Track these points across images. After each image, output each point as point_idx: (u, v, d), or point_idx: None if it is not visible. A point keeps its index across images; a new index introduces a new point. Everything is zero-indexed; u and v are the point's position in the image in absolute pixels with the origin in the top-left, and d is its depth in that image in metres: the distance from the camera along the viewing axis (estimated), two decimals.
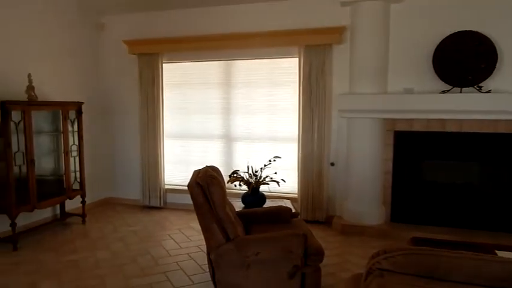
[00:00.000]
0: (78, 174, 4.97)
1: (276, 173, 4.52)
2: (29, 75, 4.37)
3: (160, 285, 3.35)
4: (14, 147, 4.07)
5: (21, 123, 4.13)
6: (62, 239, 4.46)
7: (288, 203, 4.29)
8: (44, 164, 4.73)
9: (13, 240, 4.11)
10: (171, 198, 5.80)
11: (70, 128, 4.82)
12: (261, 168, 4.35)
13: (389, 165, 4.69)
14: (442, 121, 4.40)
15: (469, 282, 1.45)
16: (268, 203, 4.17)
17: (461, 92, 4.28)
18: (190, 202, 2.92)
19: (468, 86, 4.26)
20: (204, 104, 5.55)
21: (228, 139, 5.50)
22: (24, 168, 4.19)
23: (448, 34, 4.31)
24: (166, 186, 5.79)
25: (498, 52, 4.17)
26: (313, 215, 5.00)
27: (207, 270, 3.53)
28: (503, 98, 4.03)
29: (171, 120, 5.73)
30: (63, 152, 4.74)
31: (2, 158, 4.00)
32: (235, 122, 5.44)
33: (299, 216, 3.82)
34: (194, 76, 5.57)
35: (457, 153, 4.47)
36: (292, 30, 4.87)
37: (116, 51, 5.77)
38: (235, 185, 4.34)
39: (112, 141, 6.02)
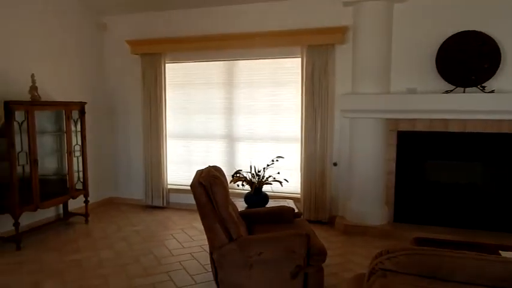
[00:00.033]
0: (81, 174, 4.99)
1: (278, 173, 4.51)
2: (32, 76, 4.39)
3: (163, 285, 3.35)
4: (18, 147, 4.09)
5: (25, 123, 4.15)
6: (65, 239, 4.47)
7: (290, 203, 4.29)
8: (47, 164, 4.75)
9: (16, 239, 4.12)
10: (173, 198, 5.81)
11: (73, 128, 4.83)
12: (264, 168, 4.35)
13: (392, 165, 4.68)
14: (445, 121, 4.38)
15: (472, 283, 1.44)
16: (271, 203, 4.17)
17: (464, 92, 4.26)
18: (193, 202, 2.93)
19: (471, 86, 4.25)
20: (207, 104, 5.56)
21: (231, 139, 5.51)
22: (27, 168, 4.21)
23: (451, 34, 4.29)
24: (169, 186, 5.80)
25: (501, 52, 4.16)
26: (316, 215, 4.99)
27: (210, 270, 3.54)
28: (507, 98, 4.02)
29: (173, 120, 5.74)
30: (66, 152, 4.75)
31: (5, 158, 4.02)
32: (237, 122, 5.44)
33: (302, 216, 3.82)
34: (197, 76, 5.57)
35: (460, 153, 4.46)
36: (295, 30, 4.87)
37: (119, 51, 5.79)
38: (238, 185, 4.34)
39: (115, 141, 6.04)
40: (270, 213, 3.56)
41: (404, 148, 4.64)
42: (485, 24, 4.22)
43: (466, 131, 4.34)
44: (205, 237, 2.98)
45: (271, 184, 4.32)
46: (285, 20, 4.98)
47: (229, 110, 5.46)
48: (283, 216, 3.53)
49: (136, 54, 5.61)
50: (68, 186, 4.80)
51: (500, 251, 3.01)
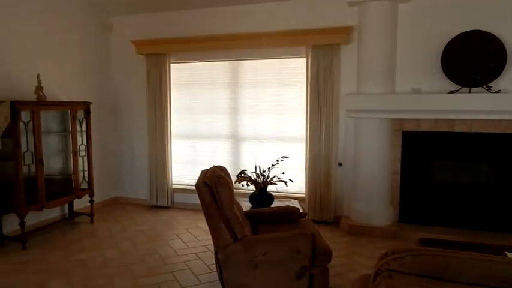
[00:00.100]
0: (86, 173, 5.01)
1: (283, 173, 4.51)
2: (38, 76, 4.41)
3: (168, 284, 3.36)
4: (23, 147, 4.11)
5: (30, 123, 4.17)
6: (70, 238, 4.49)
7: (295, 203, 4.29)
8: (53, 164, 4.77)
9: (22, 239, 4.15)
10: (178, 198, 5.82)
11: (78, 128, 4.85)
12: (269, 168, 4.35)
13: (398, 166, 4.66)
14: (451, 121, 4.36)
15: (478, 284, 1.43)
16: (276, 203, 4.17)
17: (470, 92, 4.24)
18: (198, 202, 2.93)
19: (477, 86, 4.22)
20: (212, 104, 5.56)
21: (236, 139, 5.51)
22: (33, 168, 4.23)
23: (457, 34, 4.27)
24: (173, 186, 5.82)
25: (507, 52, 4.12)
26: (321, 215, 4.98)
27: (215, 270, 3.54)
28: None
29: (178, 120, 5.75)
30: (72, 152, 4.77)
31: (11, 157, 4.04)
32: (242, 122, 5.44)
33: (307, 217, 3.81)
34: (202, 76, 5.58)
35: (466, 153, 4.43)
36: (300, 30, 4.87)
37: (124, 51, 5.81)
38: (242, 185, 4.34)
39: (120, 141, 6.06)
40: (275, 213, 3.56)
41: (410, 148, 4.62)
42: (491, 24, 4.19)
43: (472, 131, 4.32)
44: (210, 237, 2.98)
45: (276, 184, 4.32)
46: (290, 20, 4.97)
47: (234, 110, 5.46)
48: (288, 216, 3.53)
49: (142, 54, 5.63)
50: (73, 186, 4.82)
51: (506, 252, 2.99)
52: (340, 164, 4.96)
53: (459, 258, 1.49)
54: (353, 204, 4.81)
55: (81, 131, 4.92)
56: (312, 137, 4.94)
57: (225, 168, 3.30)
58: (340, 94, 4.85)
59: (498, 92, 4.12)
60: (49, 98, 4.56)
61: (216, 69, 5.49)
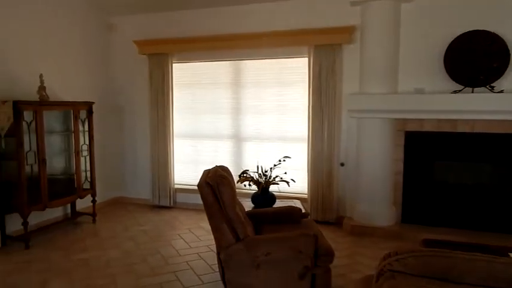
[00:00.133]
0: (88, 173, 5.02)
1: (285, 173, 4.50)
2: (41, 76, 4.42)
3: (170, 284, 3.36)
4: (26, 147, 4.12)
5: (33, 123, 4.18)
6: (72, 238, 4.50)
7: (297, 203, 4.28)
8: (55, 164, 4.78)
9: (25, 238, 4.16)
10: (180, 198, 5.82)
11: (81, 128, 4.86)
12: (271, 168, 4.35)
13: (400, 166, 4.65)
14: (454, 121, 4.35)
15: (483, 285, 1.43)
16: (278, 203, 4.17)
17: (473, 92, 4.22)
18: (200, 202, 2.93)
19: (480, 86, 4.20)
20: (214, 104, 5.56)
21: (238, 139, 5.51)
22: (35, 168, 4.24)
23: (460, 33, 4.25)
24: (176, 186, 5.82)
25: (511, 52, 4.10)
26: (323, 215, 4.98)
27: (217, 270, 3.53)
28: None
29: (180, 120, 5.75)
30: (74, 152, 4.78)
31: (14, 157, 4.05)
32: (244, 122, 5.44)
33: (309, 217, 3.80)
34: (204, 76, 5.58)
35: (469, 154, 4.42)
36: (302, 30, 4.86)
37: (126, 51, 5.81)
38: (245, 185, 4.34)
39: (122, 140, 6.06)
40: (277, 214, 3.55)
41: (412, 148, 4.61)
42: (494, 24, 4.17)
43: (475, 131, 4.30)
44: (212, 237, 2.98)
45: (278, 184, 4.32)
46: (292, 20, 4.97)
47: (236, 110, 5.46)
48: (290, 216, 3.52)
49: (144, 54, 5.63)
50: (75, 185, 4.83)
51: (510, 253, 2.98)
52: (342, 164, 4.95)
53: (463, 259, 1.48)
54: (355, 204, 4.81)
55: (84, 131, 4.93)
56: (314, 137, 4.94)
57: (227, 168, 3.30)
58: (343, 94, 4.84)
59: (501, 92, 4.10)
60: (51, 98, 4.57)
61: (218, 69, 5.50)
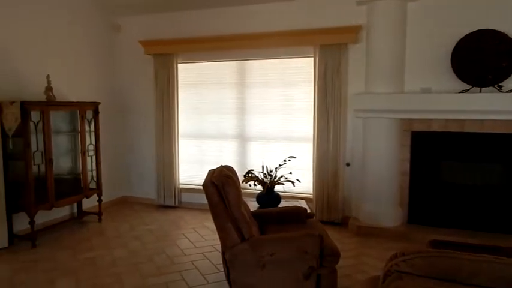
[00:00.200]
0: (94, 173, 5.04)
1: (291, 173, 4.49)
2: (48, 76, 4.45)
3: (175, 284, 3.36)
4: (33, 147, 4.15)
5: (40, 123, 4.21)
6: (79, 237, 4.52)
7: (303, 203, 4.27)
8: (62, 163, 4.81)
9: (32, 237, 4.19)
10: (185, 198, 5.83)
11: (87, 128, 4.88)
12: (276, 168, 4.34)
13: (407, 166, 4.62)
14: (461, 121, 4.31)
15: (491, 287, 1.41)
16: (283, 203, 4.16)
17: (480, 92, 4.18)
18: (205, 201, 2.93)
19: (488, 86, 4.16)
20: (219, 104, 5.56)
21: (243, 139, 5.50)
22: (42, 168, 4.27)
23: (467, 33, 4.22)
24: (181, 186, 5.83)
25: None
26: (329, 215, 4.96)
27: (222, 269, 3.53)
28: None
29: (186, 120, 5.76)
30: (80, 152, 4.81)
31: (21, 157, 4.08)
32: (250, 121, 5.44)
33: (314, 217, 3.79)
34: (209, 76, 5.58)
35: (477, 154, 4.37)
36: (307, 29, 4.85)
37: (132, 51, 5.83)
38: (250, 185, 4.33)
39: (128, 140, 6.09)
40: (282, 214, 3.54)
41: (419, 148, 4.58)
42: (502, 23, 4.13)
43: (483, 131, 4.26)
44: (217, 236, 2.98)
45: (283, 184, 4.31)
46: (297, 20, 4.95)
47: (242, 110, 5.46)
48: (295, 216, 3.51)
49: (149, 54, 5.65)
50: (81, 185, 4.86)
51: None
52: (348, 164, 4.93)
53: (471, 260, 1.46)
54: (361, 204, 4.78)
55: (90, 131, 4.95)
56: (320, 137, 4.92)
57: (232, 168, 3.30)
58: (348, 94, 4.82)
59: (510, 91, 4.05)
60: (58, 98, 4.59)
61: (223, 69, 5.50)
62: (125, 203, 6.04)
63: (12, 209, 4.22)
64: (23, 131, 4.04)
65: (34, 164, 4.15)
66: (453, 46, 4.29)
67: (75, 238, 4.49)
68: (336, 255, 2.82)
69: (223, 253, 2.82)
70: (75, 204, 5.12)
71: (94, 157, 5.02)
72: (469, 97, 4.12)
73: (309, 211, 3.67)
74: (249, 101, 5.41)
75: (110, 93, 5.80)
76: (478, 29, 4.18)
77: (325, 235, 3.10)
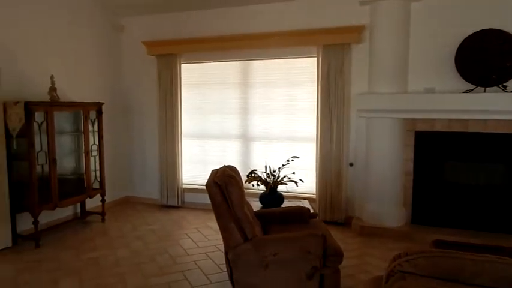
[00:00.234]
0: (98, 173, 5.05)
1: (294, 173, 4.48)
2: (52, 77, 4.46)
3: (178, 284, 3.37)
4: (37, 147, 4.17)
5: (44, 124, 4.22)
6: (82, 237, 4.53)
7: (306, 203, 4.26)
8: (65, 164, 4.83)
9: (36, 237, 4.20)
10: (188, 198, 5.84)
11: (90, 128, 4.90)
12: (279, 168, 4.33)
13: (410, 166, 4.60)
14: (465, 121, 4.29)
15: (494, 287, 1.40)
16: (286, 203, 4.15)
17: (485, 92, 4.17)
18: (208, 201, 2.93)
19: (492, 86, 4.14)
20: (222, 104, 5.57)
21: (246, 139, 5.51)
22: (46, 168, 4.28)
23: (471, 32, 4.20)
24: (184, 186, 5.83)
25: None
26: (332, 215, 4.95)
27: (225, 269, 3.53)
28: None
29: (189, 120, 5.77)
30: (84, 152, 4.82)
31: (25, 157, 4.10)
32: (253, 121, 5.44)
33: (317, 217, 3.78)
34: (212, 76, 5.59)
35: (481, 154, 4.36)
36: (311, 29, 4.84)
37: (135, 52, 5.85)
38: (253, 185, 4.34)
39: (131, 141, 6.10)
40: (285, 214, 3.54)
41: (422, 148, 4.56)
42: (507, 23, 4.11)
43: (487, 131, 4.24)
44: (220, 236, 2.98)
45: (286, 184, 4.30)
46: (300, 20, 4.95)
47: (245, 110, 5.46)
48: (298, 216, 3.51)
49: (153, 55, 5.66)
50: (85, 185, 4.87)
51: None
52: (351, 164, 4.92)
53: (474, 260, 1.46)
54: (364, 204, 4.77)
55: (93, 131, 4.97)
56: (323, 137, 4.91)
57: (235, 168, 3.30)
58: (351, 94, 4.81)
59: None
60: (62, 99, 4.61)
61: (226, 69, 5.50)
62: (128, 203, 6.05)
63: (16, 209, 4.24)
64: (27, 131, 4.05)
65: (38, 164, 4.17)
66: (457, 46, 4.27)
67: (78, 238, 4.51)
68: (339, 255, 2.82)
69: (226, 253, 2.82)
70: (78, 204, 5.14)
71: (97, 157, 5.03)
72: (472, 97, 4.10)
73: (312, 211, 3.67)
74: (252, 101, 5.41)
75: (113, 94, 5.82)
76: (482, 28, 4.16)
77: (328, 235, 3.09)
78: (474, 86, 4.22)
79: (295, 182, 4.27)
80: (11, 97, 4.18)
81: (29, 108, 4.03)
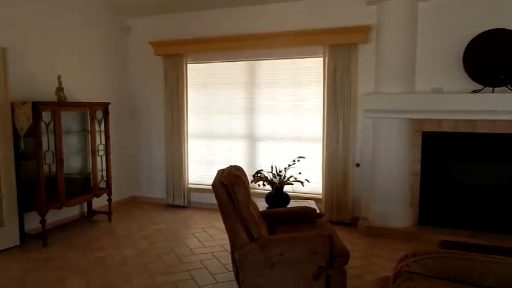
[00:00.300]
0: (104, 173, 5.08)
1: (300, 173, 4.47)
2: (59, 77, 4.49)
3: (184, 283, 3.37)
4: (44, 147, 4.20)
5: (51, 124, 4.25)
6: (89, 236, 4.56)
7: (312, 204, 4.25)
8: (72, 163, 4.86)
9: (43, 236, 4.23)
10: (195, 198, 5.85)
11: (97, 128, 4.93)
12: (285, 168, 4.33)
13: (417, 166, 4.57)
14: (473, 122, 4.25)
15: None
16: (292, 203, 4.15)
17: (493, 92, 4.13)
18: (214, 201, 2.93)
19: (501, 86, 4.11)
20: (228, 104, 5.57)
21: (252, 139, 5.50)
22: (53, 167, 4.32)
23: (479, 32, 4.16)
24: (190, 186, 5.85)
25: None
26: (338, 216, 4.93)
27: (231, 269, 3.54)
28: None
29: (195, 120, 5.78)
30: (91, 152, 4.85)
31: (33, 157, 4.13)
32: (259, 121, 5.44)
33: (324, 217, 3.77)
34: (218, 76, 5.60)
35: (488, 154, 4.32)
36: (317, 29, 4.83)
37: (142, 52, 5.87)
38: (259, 185, 4.33)
39: (137, 140, 6.12)
40: (292, 214, 3.54)
41: (430, 149, 4.53)
42: None
43: (495, 132, 4.20)
44: (226, 236, 2.98)
45: (292, 184, 4.30)
46: (306, 20, 4.94)
47: (251, 110, 5.46)
48: (304, 216, 3.50)
49: (159, 55, 5.68)
50: (92, 185, 4.90)
51: None
52: (358, 165, 4.90)
53: (482, 261, 1.44)
54: (371, 205, 4.75)
55: (100, 131, 4.99)
56: (329, 137, 4.90)
57: (241, 168, 3.29)
58: (358, 94, 4.79)
59: None
60: (69, 99, 4.64)
61: (232, 69, 5.50)
62: (135, 203, 6.08)
63: (23, 208, 4.28)
64: (34, 131, 4.08)
65: (45, 164, 4.20)
66: (465, 46, 4.24)
67: (85, 237, 4.53)
68: (345, 255, 2.81)
69: (232, 253, 2.82)
70: (85, 204, 5.17)
71: (104, 157, 5.06)
72: (480, 97, 4.06)
73: (318, 211, 3.65)
74: (258, 101, 5.40)
75: (119, 94, 5.85)
76: (489, 28, 4.13)
77: (335, 235, 3.08)
78: (482, 86, 4.18)
79: (302, 182, 4.26)
80: (18, 97, 4.22)
81: (37, 108, 4.06)
